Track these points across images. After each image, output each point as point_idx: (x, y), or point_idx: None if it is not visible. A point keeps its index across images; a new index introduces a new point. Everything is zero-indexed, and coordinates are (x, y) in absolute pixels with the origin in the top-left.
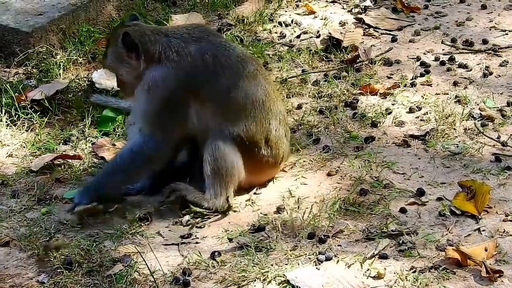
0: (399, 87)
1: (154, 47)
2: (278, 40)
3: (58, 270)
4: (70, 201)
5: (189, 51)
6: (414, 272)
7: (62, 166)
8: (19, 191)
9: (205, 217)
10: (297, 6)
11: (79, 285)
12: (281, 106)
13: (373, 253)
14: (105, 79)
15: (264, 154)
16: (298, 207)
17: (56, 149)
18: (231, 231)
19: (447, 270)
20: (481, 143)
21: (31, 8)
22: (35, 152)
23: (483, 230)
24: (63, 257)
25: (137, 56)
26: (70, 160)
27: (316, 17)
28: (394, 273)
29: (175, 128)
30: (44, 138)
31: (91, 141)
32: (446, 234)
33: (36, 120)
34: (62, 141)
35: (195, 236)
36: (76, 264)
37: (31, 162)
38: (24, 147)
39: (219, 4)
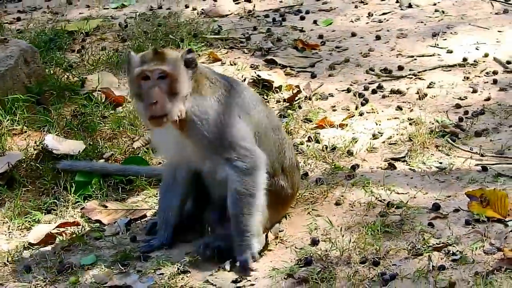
0: (353, 117)
1: (201, 76)
2: None
3: None
4: (91, 266)
5: (222, 83)
6: (482, 277)
7: (63, 235)
8: (30, 266)
9: None
10: (199, 55)
11: None
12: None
13: (433, 266)
14: (59, 144)
15: (282, 185)
16: (337, 237)
17: (43, 219)
18: (279, 268)
19: (509, 270)
20: (460, 157)
21: None
22: (21, 226)
23: None
24: None
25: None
26: (69, 228)
27: (224, 63)
28: (462, 280)
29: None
30: (23, 210)
31: (75, 206)
32: (486, 239)
33: (5, 194)
34: (45, 210)
35: (246, 279)
36: None
37: (23, 236)
38: (5, 222)
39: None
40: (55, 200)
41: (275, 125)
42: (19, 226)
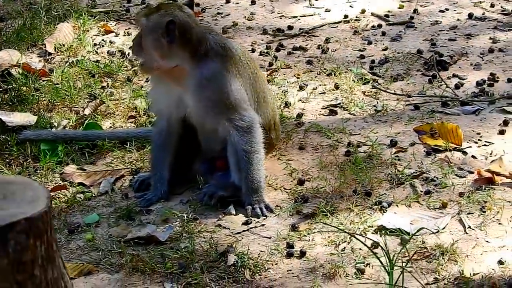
0: (273, 72)
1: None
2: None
3: (178, 277)
4: (98, 224)
5: (228, 49)
6: (468, 196)
7: (56, 199)
8: None
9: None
10: (91, 28)
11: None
12: None
13: (420, 191)
14: (8, 117)
15: (272, 137)
16: (319, 176)
17: None
18: (282, 207)
19: (487, 188)
20: (388, 99)
21: None
22: None
23: (475, 157)
24: (172, 262)
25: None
26: (59, 192)
27: (118, 34)
28: (451, 200)
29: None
30: None
31: (51, 173)
32: (453, 165)
33: None
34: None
35: (254, 220)
36: (194, 264)
37: None
38: None
39: (23, 39)
40: (29, 169)
41: (267, 87)
42: None
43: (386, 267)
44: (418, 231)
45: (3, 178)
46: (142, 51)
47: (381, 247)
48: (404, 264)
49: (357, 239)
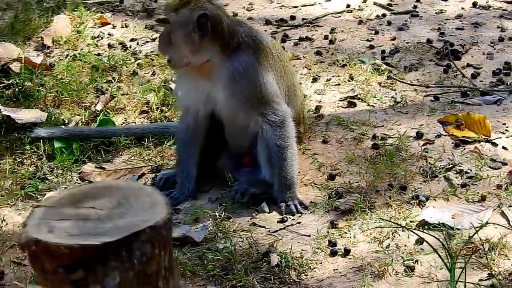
0: None
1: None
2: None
3: (221, 279)
4: None
5: (259, 41)
6: (506, 188)
7: None
8: None
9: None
10: (87, 20)
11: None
12: None
13: (457, 184)
14: (17, 114)
15: (300, 131)
16: (348, 170)
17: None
18: (317, 203)
19: None
20: (405, 90)
21: None
22: (21, 196)
23: (506, 148)
24: (212, 264)
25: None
26: None
27: (115, 26)
28: (489, 193)
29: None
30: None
31: (68, 171)
32: (484, 157)
33: None
34: (38, 179)
35: (289, 217)
36: (236, 265)
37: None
38: (7, 194)
39: (18, 32)
40: (44, 168)
41: (297, 80)
42: (19, 197)
43: (447, 263)
44: (480, 228)
45: (113, 183)
46: (170, 48)
47: (441, 243)
48: (465, 259)
49: (417, 235)
